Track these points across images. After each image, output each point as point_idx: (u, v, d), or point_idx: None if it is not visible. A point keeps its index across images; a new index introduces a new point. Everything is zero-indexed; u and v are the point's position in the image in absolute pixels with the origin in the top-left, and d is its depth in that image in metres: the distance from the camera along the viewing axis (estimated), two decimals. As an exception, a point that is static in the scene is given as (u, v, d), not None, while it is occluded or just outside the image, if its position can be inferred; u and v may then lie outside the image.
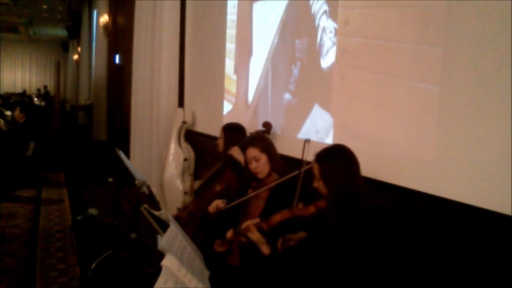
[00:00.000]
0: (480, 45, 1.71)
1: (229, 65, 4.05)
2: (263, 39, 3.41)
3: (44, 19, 16.59)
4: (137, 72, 6.02)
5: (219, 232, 2.16)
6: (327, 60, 2.64)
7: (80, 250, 3.09)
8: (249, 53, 3.64)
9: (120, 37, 9.15)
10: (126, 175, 2.97)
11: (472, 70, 1.74)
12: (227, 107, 4.10)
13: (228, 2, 4.05)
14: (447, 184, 1.85)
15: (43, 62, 22.66)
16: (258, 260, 1.93)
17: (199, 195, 3.07)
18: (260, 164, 2.30)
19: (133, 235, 2.64)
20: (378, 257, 1.67)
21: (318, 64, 2.72)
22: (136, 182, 2.78)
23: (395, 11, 2.15)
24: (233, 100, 3.97)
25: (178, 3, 5.08)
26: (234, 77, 3.95)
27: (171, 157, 4.73)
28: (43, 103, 16.05)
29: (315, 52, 2.75)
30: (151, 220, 1.91)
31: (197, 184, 3.20)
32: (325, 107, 2.68)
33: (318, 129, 2.73)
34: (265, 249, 1.90)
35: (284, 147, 2.89)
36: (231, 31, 4.02)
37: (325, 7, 2.67)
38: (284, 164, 2.41)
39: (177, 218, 2.78)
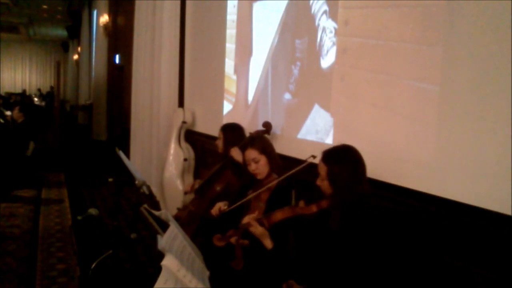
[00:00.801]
0: (480, 45, 1.71)
1: (229, 65, 4.05)
2: (263, 39, 3.41)
3: (44, 19, 16.59)
4: (137, 72, 6.02)
5: (220, 234, 2.16)
6: (327, 60, 2.64)
7: (80, 250, 3.09)
8: (249, 53, 3.64)
9: (120, 37, 9.15)
10: (126, 175, 2.97)
11: (472, 70, 1.74)
12: (227, 107, 4.10)
13: (228, 2, 4.05)
14: (447, 184, 1.85)
15: (43, 62, 22.67)
16: (261, 262, 1.93)
17: (199, 195, 3.08)
18: (259, 165, 2.30)
19: (133, 235, 2.64)
20: (382, 257, 1.67)
21: (318, 64, 2.72)
22: (136, 182, 2.78)
23: (395, 11, 2.15)
24: (233, 100, 3.97)
25: (178, 3, 5.08)
26: (234, 77, 3.95)
27: (171, 157, 4.73)
28: (43, 103, 16.07)
29: (315, 52, 2.75)
30: (151, 220, 1.91)
31: (197, 184, 3.20)
32: (325, 107, 2.68)
33: (318, 129, 2.73)
34: (268, 243, 1.89)
35: (284, 147, 2.89)
36: (231, 31, 4.02)
37: (325, 7, 2.67)
38: (284, 164, 2.41)
39: (177, 218, 2.79)
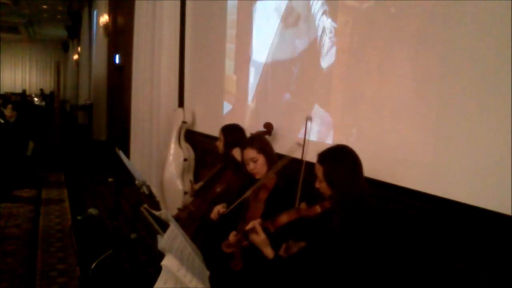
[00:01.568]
0: (480, 45, 1.71)
1: (229, 65, 4.05)
2: (263, 39, 3.41)
3: (44, 19, 16.59)
4: (137, 72, 6.02)
5: (221, 236, 2.15)
6: (327, 60, 2.64)
7: (80, 250, 3.09)
8: (249, 53, 3.64)
9: (120, 37, 9.15)
10: (126, 175, 2.97)
11: (472, 70, 1.74)
12: (227, 107, 4.10)
13: (228, 2, 4.05)
14: (446, 184, 1.84)
15: (43, 62, 22.67)
16: (261, 263, 1.92)
17: (200, 196, 3.08)
18: (257, 165, 2.30)
19: (133, 235, 2.64)
20: (382, 257, 1.67)
21: (318, 64, 2.72)
22: (136, 182, 2.78)
23: (395, 11, 2.15)
24: (233, 100, 3.97)
25: (178, 3, 5.08)
26: (234, 77, 3.95)
27: (171, 157, 4.73)
28: (43, 103, 16.08)
29: (315, 52, 2.75)
30: (151, 220, 1.91)
31: (197, 184, 3.20)
32: (325, 107, 2.68)
33: (318, 129, 2.73)
34: (269, 253, 1.84)
35: (283, 147, 2.89)
36: (231, 31, 4.02)
37: (325, 7, 2.67)
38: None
39: (177, 218, 2.78)
